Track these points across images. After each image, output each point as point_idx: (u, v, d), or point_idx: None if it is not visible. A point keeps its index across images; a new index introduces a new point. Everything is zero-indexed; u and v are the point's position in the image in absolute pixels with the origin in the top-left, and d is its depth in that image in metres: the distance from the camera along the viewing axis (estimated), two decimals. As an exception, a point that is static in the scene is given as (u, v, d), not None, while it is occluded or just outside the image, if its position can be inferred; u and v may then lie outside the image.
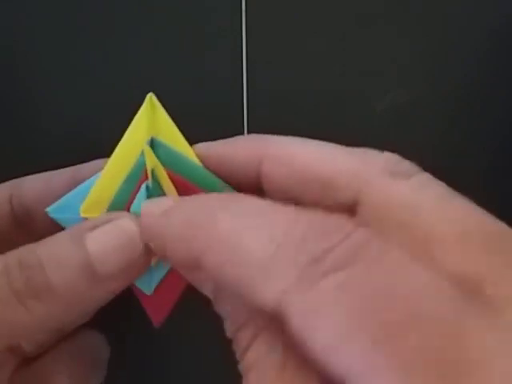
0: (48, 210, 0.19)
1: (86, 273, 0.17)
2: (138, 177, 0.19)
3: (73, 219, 0.19)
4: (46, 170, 0.24)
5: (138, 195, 0.19)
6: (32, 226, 0.21)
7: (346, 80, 0.24)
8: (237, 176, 0.19)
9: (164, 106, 0.24)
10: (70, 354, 0.21)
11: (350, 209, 0.17)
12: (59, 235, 0.18)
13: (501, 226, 0.15)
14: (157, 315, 0.21)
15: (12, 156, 0.25)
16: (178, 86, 0.24)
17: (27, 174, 0.25)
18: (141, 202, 0.18)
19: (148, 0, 0.24)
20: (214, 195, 0.17)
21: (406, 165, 0.17)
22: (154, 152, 0.19)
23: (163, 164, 0.19)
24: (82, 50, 0.24)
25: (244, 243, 0.14)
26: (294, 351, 0.15)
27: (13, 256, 0.17)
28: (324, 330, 0.13)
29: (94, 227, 0.18)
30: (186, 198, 0.17)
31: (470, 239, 0.15)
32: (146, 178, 0.19)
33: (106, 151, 0.25)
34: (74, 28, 0.24)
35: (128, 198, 0.19)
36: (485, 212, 0.15)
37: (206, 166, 0.20)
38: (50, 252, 0.17)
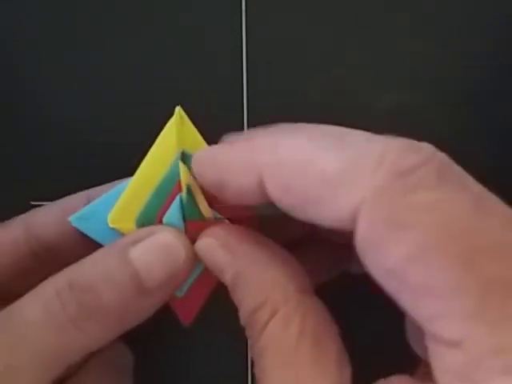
0: (71, 219, 0.19)
1: (135, 288, 0.18)
2: (169, 188, 0.19)
3: (99, 229, 0.19)
4: (46, 170, 0.24)
5: (172, 206, 0.19)
6: (54, 260, 0.21)
7: (346, 80, 0.24)
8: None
9: (164, 105, 0.24)
10: (96, 368, 0.21)
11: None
12: (103, 252, 0.18)
13: None
14: (185, 315, 0.21)
15: (12, 157, 0.25)
16: (177, 86, 0.24)
17: (27, 176, 0.25)
18: (175, 214, 0.19)
19: (148, 0, 0.24)
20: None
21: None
22: (185, 165, 0.19)
23: (194, 177, 0.19)
24: (81, 50, 0.24)
25: (315, 158, 0.15)
26: (311, 324, 0.16)
27: (63, 279, 0.17)
28: (405, 241, 0.13)
29: (136, 242, 0.18)
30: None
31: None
32: (179, 190, 0.19)
33: (106, 151, 0.25)
34: (73, 28, 0.24)
35: (158, 209, 0.19)
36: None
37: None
38: (98, 271, 0.18)
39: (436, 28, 0.24)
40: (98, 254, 0.18)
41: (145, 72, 0.24)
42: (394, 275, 0.14)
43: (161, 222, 0.19)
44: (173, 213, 0.19)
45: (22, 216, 0.21)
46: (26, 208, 0.22)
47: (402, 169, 0.14)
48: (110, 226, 0.19)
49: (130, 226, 0.19)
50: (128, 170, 0.24)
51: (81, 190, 0.22)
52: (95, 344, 0.18)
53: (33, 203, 0.24)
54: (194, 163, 0.19)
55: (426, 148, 0.15)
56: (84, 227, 0.20)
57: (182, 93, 0.24)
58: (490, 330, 0.13)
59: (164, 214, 0.19)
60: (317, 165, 0.15)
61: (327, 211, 0.15)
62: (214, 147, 0.19)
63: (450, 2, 0.24)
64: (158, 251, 0.18)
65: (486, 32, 0.24)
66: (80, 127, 0.24)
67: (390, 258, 0.13)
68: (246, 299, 0.17)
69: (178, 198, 0.19)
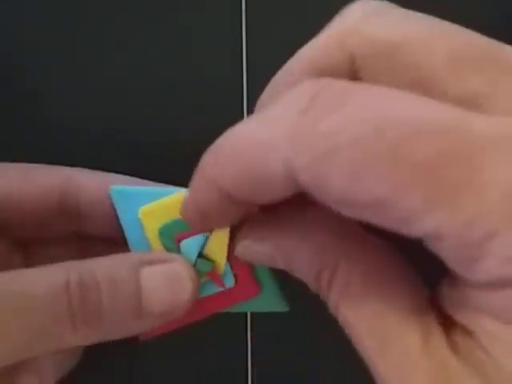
0: (112, 187, 0.20)
1: (133, 307, 0.18)
2: None
3: (128, 212, 0.20)
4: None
5: (195, 238, 0.19)
6: (78, 221, 0.21)
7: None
8: None
9: (164, 106, 0.24)
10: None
11: None
12: (118, 260, 0.19)
13: (487, 40, 0.15)
14: (145, 333, 0.21)
15: (12, 157, 0.25)
16: (177, 86, 0.24)
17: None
18: (194, 247, 0.19)
19: (148, 0, 0.24)
20: None
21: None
22: None
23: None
24: (81, 50, 0.24)
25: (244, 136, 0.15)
26: (370, 264, 0.16)
27: (75, 272, 0.18)
28: (341, 163, 0.13)
29: (150, 263, 0.18)
30: None
31: (458, 60, 0.14)
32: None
33: (106, 151, 0.25)
34: (73, 28, 0.24)
35: (182, 230, 0.19)
36: (470, 31, 0.15)
37: None
38: (108, 278, 0.18)
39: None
40: (113, 260, 0.18)
41: (145, 72, 0.24)
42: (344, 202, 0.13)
43: (178, 241, 0.19)
44: (192, 245, 0.19)
45: (64, 169, 0.21)
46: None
47: (301, 107, 0.13)
48: (139, 216, 0.19)
49: (153, 228, 0.19)
50: (129, 170, 0.24)
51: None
52: (76, 344, 0.18)
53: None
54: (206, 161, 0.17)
55: (320, 80, 0.14)
56: (118, 201, 0.20)
57: (182, 93, 0.24)
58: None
59: (184, 237, 0.19)
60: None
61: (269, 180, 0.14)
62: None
63: (450, 2, 0.24)
64: (167, 280, 0.18)
65: (486, 32, 0.24)
66: (80, 127, 0.24)
67: (334, 189, 0.13)
68: (304, 276, 0.17)
69: (205, 235, 0.19)
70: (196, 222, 0.17)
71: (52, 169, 0.21)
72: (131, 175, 0.22)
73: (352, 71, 0.16)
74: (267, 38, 0.24)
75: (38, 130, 0.24)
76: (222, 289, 0.20)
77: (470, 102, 0.14)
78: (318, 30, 0.25)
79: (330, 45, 0.16)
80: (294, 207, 0.17)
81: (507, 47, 0.15)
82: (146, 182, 0.21)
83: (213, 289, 0.20)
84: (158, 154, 0.25)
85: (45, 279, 0.18)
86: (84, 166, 0.24)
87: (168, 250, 0.20)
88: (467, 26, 0.24)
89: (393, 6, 0.16)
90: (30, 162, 0.24)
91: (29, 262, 0.22)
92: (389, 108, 0.13)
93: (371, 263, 0.16)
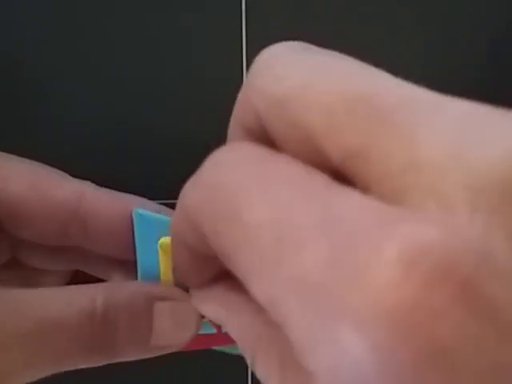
0: (136, 209, 0.19)
1: (143, 343, 0.18)
2: None
3: (146, 237, 0.19)
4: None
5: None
6: (81, 239, 0.21)
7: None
8: None
9: (164, 106, 0.24)
10: None
11: None
12: (136, 291, 0.19)
13: (365, 84, 0.13)
14: None
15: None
16: (177, 86, 0.24)
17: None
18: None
19: (148, 0, 0.24)
20: None
21: None
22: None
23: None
24: (81, 49, 0.24)
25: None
26: (292, 367, 0.14)
27: (100, 301, 0.18)
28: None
29: (163, 298, 0.19)
30: None
31: (331, 115, 0.13)
32: None
33: (107, 152, 0.25)
34: (74, 28, 0.24)
35: None
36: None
37: None
38: (128, 313, 0.18)
39: (436, 28, 0.24)
40: (133, 292, 0.19)
41: (145, 72, 0.24)
42: None
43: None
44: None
45: (76, 183, 0.21)
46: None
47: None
48: (158, 244, 0.19)
49: (168, 262, 0.19)
50: (129, 169, 0.24)
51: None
52: (83, 366, 0.18)
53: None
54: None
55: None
56: (139, 225, 0.19)
57: (182, 93, 0.24)
58: None
59: None
60: None
61: None
62: None
63: (450, 2, 0.24)
64: (175, 318, 0.19)
65: (486, 32, 0.24)
66: (79, 125, 0.24)
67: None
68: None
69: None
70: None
71: (63, 181, 0.21)
72: (131, 175, 0.22)
73: (262, 128, 0.15)
74: (267, 38, 0.24)
75: (37, 128, 0.24)
76: (216, 331, 0.20)
77: (348, 161, 0.12)
78: (318, 29, 0.25)
79: (242, 102, 0.16)
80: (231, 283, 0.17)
81: (381, 89, 0.13)
82: (163, 207, 0.21)
83: (209, 329, 0.20)
84: (158, 153, 0.25)
85: (71, 304, 0.18)
86: (84, 165, 0.24)
87: (178, 286, 0.20)
88: (468, 26, 0.24)
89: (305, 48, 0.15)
90: (29, 157, 0.24)
91: (16, 255, 0.22)
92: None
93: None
